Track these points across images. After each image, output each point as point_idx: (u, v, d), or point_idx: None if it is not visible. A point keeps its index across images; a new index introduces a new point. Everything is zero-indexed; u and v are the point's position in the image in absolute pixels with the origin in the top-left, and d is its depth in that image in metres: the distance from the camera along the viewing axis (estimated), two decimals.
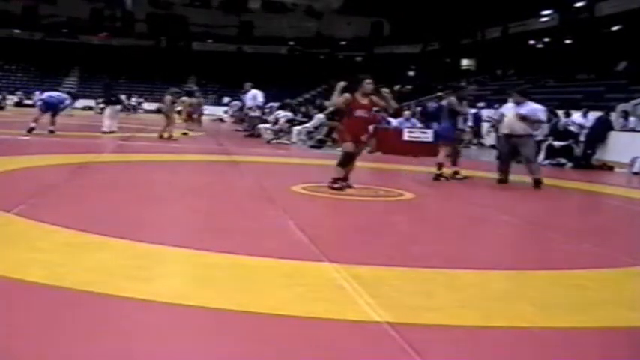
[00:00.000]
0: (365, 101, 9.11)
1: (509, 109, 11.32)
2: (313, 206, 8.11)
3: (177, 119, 21.36)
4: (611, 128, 17.45)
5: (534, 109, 11.10)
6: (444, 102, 11.68)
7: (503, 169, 11.19)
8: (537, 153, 12.11)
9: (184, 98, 23.11)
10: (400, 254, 5.49)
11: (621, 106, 21.09)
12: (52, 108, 17.67)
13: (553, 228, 7.31)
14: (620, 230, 7.96)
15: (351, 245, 5.73)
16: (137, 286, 3.96)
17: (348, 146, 9.09)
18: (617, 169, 16.07)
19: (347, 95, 9.12)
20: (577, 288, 4.59)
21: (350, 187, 8.99)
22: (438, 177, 11.13)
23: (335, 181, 8.93)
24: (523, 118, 10.79)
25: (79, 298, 3.76)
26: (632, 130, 18.26)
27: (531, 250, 6.18)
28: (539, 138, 16.63)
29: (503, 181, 11.12)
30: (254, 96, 21.63)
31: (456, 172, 11.50)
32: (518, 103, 11.10)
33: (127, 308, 3.67)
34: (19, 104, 44.53)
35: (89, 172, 10.49)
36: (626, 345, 3.61)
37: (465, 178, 11.51)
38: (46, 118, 17.46)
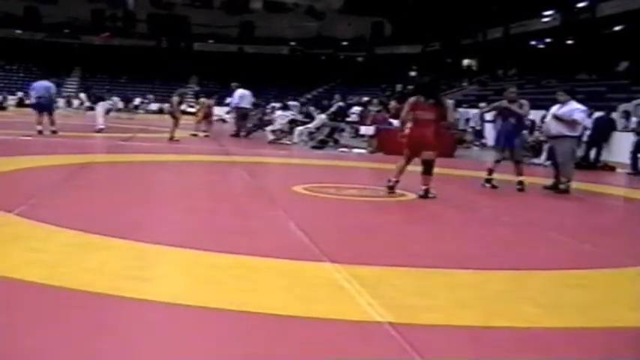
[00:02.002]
0: (426, 105, 9.00)
1: (554, 110, 10.81)
2: (314, 206, 8.10)
3: (190, 120, 21.42)
4: (614, 128, 17.40)
5: (572, 109, 10.58)
6: (500, 104, 11.06)
7: (555, 174, 10.80)
8: (573, 156, 11.18)
9: (203, 100, 23.13)
10: (401, 254, 5.48)
11: (623, 107, 21.06)
12: (46, 108, 17.76)
13: (554, 228, 7.29)
14: (620, 230, 7.95)
15: (352, 245, 5.72)
16: (137, 287, 3.96)
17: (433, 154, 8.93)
18: (618, 170, 16.06)
19: (411, 100, 9.14)
20: (578, 288, 4.58)
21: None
22: (487, 181, 10.50)
23: (427, 190, 8.81)
24: (558, 119, 10.54)
25: (79, 298, 3.76)
26: (634, 131, 18.21)
27: (532, 251, 6.16)
28: (536, 139, 16.62)
29: (550, 187, 10.67)
30: (242, 95, 21.64)
31: (521, 182, 10.48)
32: (562, 103, 10.67)
33: (127, 308, 3.67)
34: (20, 104, 44.57)
35: (89, 172, 10.50)
36: (628, 345, 3.60)
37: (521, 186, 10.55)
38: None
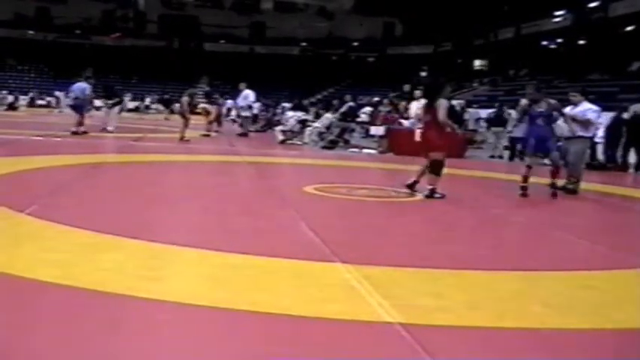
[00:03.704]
0: (425, 107, 9.23)
1: (567, 110, 10.60)
2: (325, 207, 8.11)
3: (201, 120, 21.50)
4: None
5: (585, 109, 10.53)
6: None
7: (567, 175, 10.58)
8: (584, 157, 11.01)
9: (220, 100, 23.26)
10: (411, 255, 5.48)
11: (634, 107, 20.92)
12: (79, 109, 18.01)
13: (565, 229, 7.28)
14: (633, 232, 7.91)
15: (363, 246, 5.73)
16: (150, 287, 3.98)
17: (439, 155, 8.97)
18: (630, 170, 15.98)
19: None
20: (589, 289, 4.57)
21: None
22: (521, 188, 9.65)
23: (433, 190, 8.81)
24: (572, 119, 10.44)
25: (92, 297, 3.78)
26: None
27: (543, 251, 6.15)
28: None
29: (561, 187, 10.29)
30: (246, 96, 21.74)
31: (553, 184, 9.92)
32: (575, 104, 10.60)
33: (140, 308, 3.69)
34: (31, 104, 44.85)
35: (101, 172, 10.55)
36: (639, 347, 3.59)
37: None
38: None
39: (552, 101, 10.28)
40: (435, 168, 8.86)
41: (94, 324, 3.39)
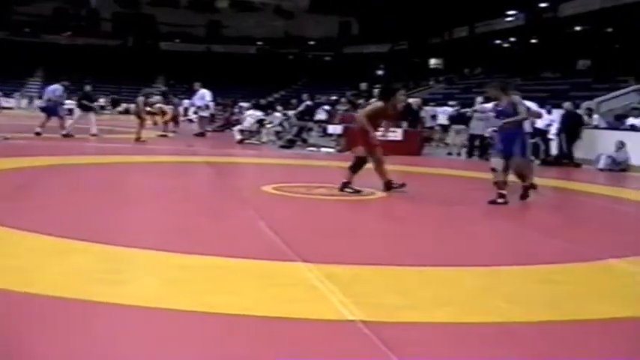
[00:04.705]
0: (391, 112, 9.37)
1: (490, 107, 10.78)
2: (284, 206, 8.10)
3: (155, 120, 21.30)
4: (582, 123, 17.53)
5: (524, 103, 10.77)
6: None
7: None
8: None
9: (176, 100, 23.06)
10: (374, 253, 5.50)
11: (586, 104, 21.38)
12: (51, 112, 17.72)
13: (525, 224, 7.41)
14: (587, 225, 8.07)
15: (324, 245, 5.73)
16: (110, 291, 3.92)
17: (360, 150, 9.08)
18: (583, 166, 16.29)
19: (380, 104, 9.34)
20: (550, 283, 4.66)
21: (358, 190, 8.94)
22: (501, 196, 8.45)
23: (345, 184, 8.90)
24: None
25: (50, 303, 3.70)
26: (596, 127, 18.50)
27: (504, 247, 6.25)
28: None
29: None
30: (202, 96, 21.64)
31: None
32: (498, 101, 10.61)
33: (100, 313, 3.63)
34: None
35: (57, 175, 10.32)
36: (600, 337, 3.67)
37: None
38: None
39: (516, 98, 9.11)
40: (356, 163, 8.97)
41: (52, 330, 3.32)
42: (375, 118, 9.17)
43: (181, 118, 25.40)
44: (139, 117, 18.14)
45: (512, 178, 9.28)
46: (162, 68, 55.91)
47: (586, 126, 18.18)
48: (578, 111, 18.23)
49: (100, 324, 3.50)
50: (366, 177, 9.15)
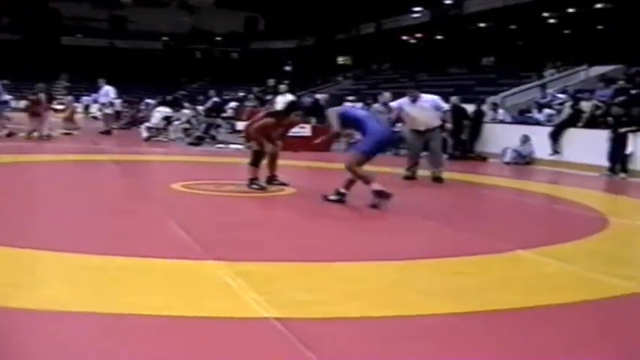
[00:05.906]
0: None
1: (409, 104, 10.90)
2: (194, 204, 7.96)
3: (56, 118, 20.62)
4: (467, 117, 17.92)
5: (435, 100, 11.08)
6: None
7: (413, 165, 11.01)
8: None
9: (69, 98, 22.33)
10: (285, 249, 5.45)
11: (491, 99, 22.02)
12: None
13: (434, 218, 7.51)
14: (495, 218, 8.30)
15: (235, 242, 5.65)
16: (19, 294, 3.77)
17: (254, 145, 9.03)
18: (490, 160, 16.77)
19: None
20: (460, 275, 4.74)
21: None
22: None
23: (252, 181, 8.82)
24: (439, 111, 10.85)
25: None
26: (502, 122, 19.07)
27: (413, 240, 6.32)
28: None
29: (410, 177, 10.91)
30: (106, 92, 21.13)
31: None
32: (415, 98, 10.84)
33: (10, 318, 3.45)
34: None
35: None
36: (511, 326, 3.75)
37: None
38: None
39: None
40: (255, 158, 8.96)
41: None
42: (266, 130, 9.11)
43: (78, 116, 24.70)
44: (34, 114, 17.49)
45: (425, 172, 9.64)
46: (65, 64, 54.05)
47: (492, 121, 18.75)
48: (484, 106, 18.77)
49: (10, 330, 3.29)
50: (277, 173, 9.09)
